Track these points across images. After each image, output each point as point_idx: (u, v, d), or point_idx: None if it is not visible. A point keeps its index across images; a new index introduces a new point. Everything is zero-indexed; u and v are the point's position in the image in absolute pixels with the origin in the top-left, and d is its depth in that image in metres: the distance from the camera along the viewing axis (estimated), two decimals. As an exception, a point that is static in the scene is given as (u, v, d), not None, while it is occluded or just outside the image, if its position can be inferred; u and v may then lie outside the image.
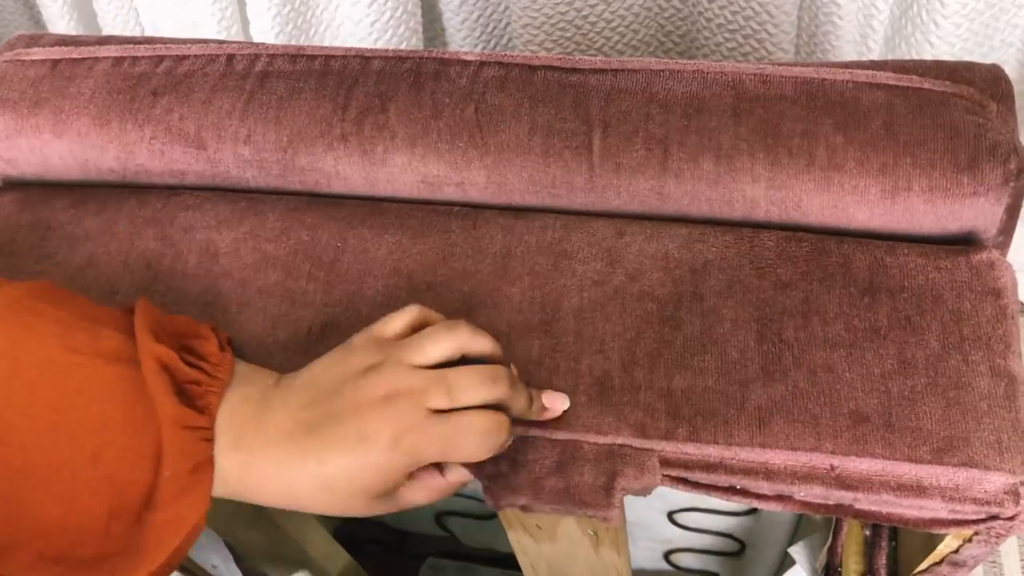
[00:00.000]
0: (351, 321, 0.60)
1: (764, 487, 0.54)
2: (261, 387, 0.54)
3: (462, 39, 1.41)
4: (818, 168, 0.59)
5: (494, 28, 1.43)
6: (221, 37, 1.26)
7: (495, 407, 0.52)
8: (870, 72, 0.62)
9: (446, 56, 0.67)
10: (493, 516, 0.96)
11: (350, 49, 0.68)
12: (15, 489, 0.47)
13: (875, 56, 1.24)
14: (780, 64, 0.63)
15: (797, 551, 0.69)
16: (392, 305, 0.60)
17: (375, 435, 0.50)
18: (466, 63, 0.66)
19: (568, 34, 1.39)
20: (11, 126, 0.69)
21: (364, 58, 0.67)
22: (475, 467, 0.56)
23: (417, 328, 0.55)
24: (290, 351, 0.60)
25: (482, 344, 0.54)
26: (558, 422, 0.56)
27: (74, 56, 0.71)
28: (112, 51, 0.71)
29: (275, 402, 0.53)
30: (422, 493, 0.55)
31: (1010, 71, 1.27)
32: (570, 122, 0.62)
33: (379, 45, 1.28)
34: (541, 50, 1.38)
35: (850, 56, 1.25)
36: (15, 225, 0.68)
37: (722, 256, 0.60)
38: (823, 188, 0.59)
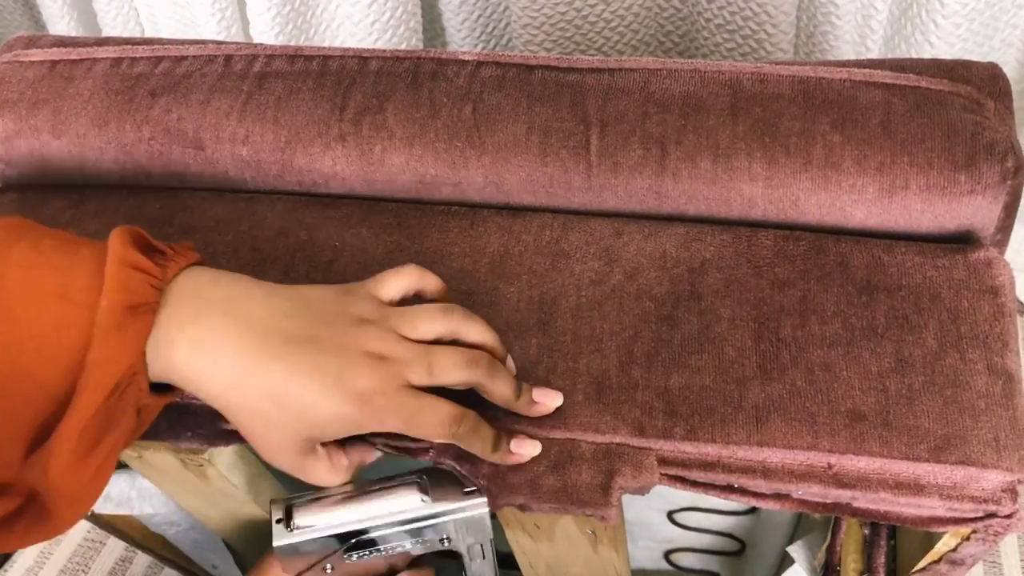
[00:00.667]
0: (349, 321, 0.60)
1: (762, 486, 0.54)
2: (236, 277, 0.52)
3: (462, 39, 1.41)
4: (815, 167, 0.59)
5: (494, 28, 1.43)
6: (221, 37, 1.26)
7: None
8: (867, 71, 0.62)
9: (444, 56, 0.67)
10: (493, 516, 0.96)
11: (348, 49, 0.68)
12: None
13: (874, 56, 1.25)
14: (778, 63, 0.63)
15: (796, 550, 0.69)
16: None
17: (352, 383, 0.49)
18: (464, 63, 0.66)
19: (568, 34, 1.39)
20: (10, 127, 0.70)
21: (362, 58, 0.68)
22: (473, 467, 0.56)
23: (412, 292, 0.56)
24: (288, 351, 0.60)
25: (475, 330, 0.54)
26: (555, 421, 0.56)
27: (72, 57, 0.71)
28: (110, 52, 0.71)
29: (255, 297, 0.51)
30: (325, 470, 0.54)
31: (1010, 71, 1.27)
32: (568, 121, 0.62)
33: (379, 45, 1.28)
34: (541, 50, 1.38)
35: (849, 56, 1.25)
36: (14, 226, 0.68)
37: (720, 255, 0.60)
38: (820, 187, 0.59)
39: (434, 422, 0.51)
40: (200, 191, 0.69)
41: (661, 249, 0.60)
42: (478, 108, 0.63)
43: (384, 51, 0.68)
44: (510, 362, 0.57)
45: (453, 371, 0.52)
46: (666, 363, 0.56)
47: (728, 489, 0.55)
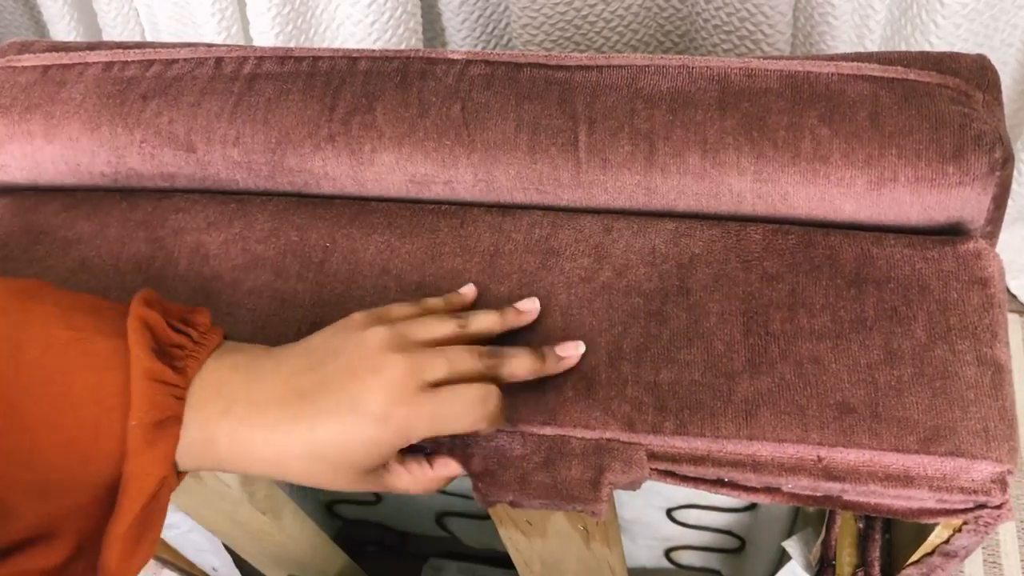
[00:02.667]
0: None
1: (752, 479, 0.54)
2: (252, 355, 0.53)
3: (462, 39, 1.42)
4: (804, 160, 0.59)
5: (494, 28, 1.44)
6: (221, 37, 1.26)
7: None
8: (855, 64, 0.62)
9: (433, 55, 0.67)
10: (486, 515, 0.96)
11: (337, 50, 0.69)
12: (21, 467, 0.47)
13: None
14: (766, 58, 0.63)
15: (791, 545, 0.69)
16: (381, 305, 0.60)
17: (367, 404, 0.49)
18: (452, 62, 0.66)
19: (567, 34, 1.39)
20: (3, 132, 0.70)
21: (351, 58, 0.68)
22: (464, 463, 0.56)
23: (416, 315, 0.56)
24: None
25: (482, 320, 0.56)
26: (545, 417, 0.56)
27: (64, 62, 0.72)
28: (102, 56, 0.71)
29: (266, 369, 0.52)
30: (407, 480, 0.54)
31: (1010, 71, 1.27)
32: (556, 119, 0.62)
33: (379, 45, 1.29)
34: (540, 50, 1.38)
35: (847, 55, 1.24)
36: (7, 230, 0.69)
37: (708, 250, 0.60)
38: (809, 180, 0.59)
39: (460, 412, 0.51)
40: (192, 193, 0.69)
41: (650, 245, 0.60)
42: (467, 106, 0.64)
43: (374, 51, 0.68)
44: (531, 303, 0.59)
45: (472, 361, 0.52)
46: (655, 358, 0.56)
47: (718, 483, 0.55)
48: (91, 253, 0.66)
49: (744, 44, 1.30)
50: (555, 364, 0.55)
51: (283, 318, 0.62)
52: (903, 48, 1.22)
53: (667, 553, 0.96)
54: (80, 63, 0.71)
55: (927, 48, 1.18)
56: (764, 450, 0.53)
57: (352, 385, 0.50)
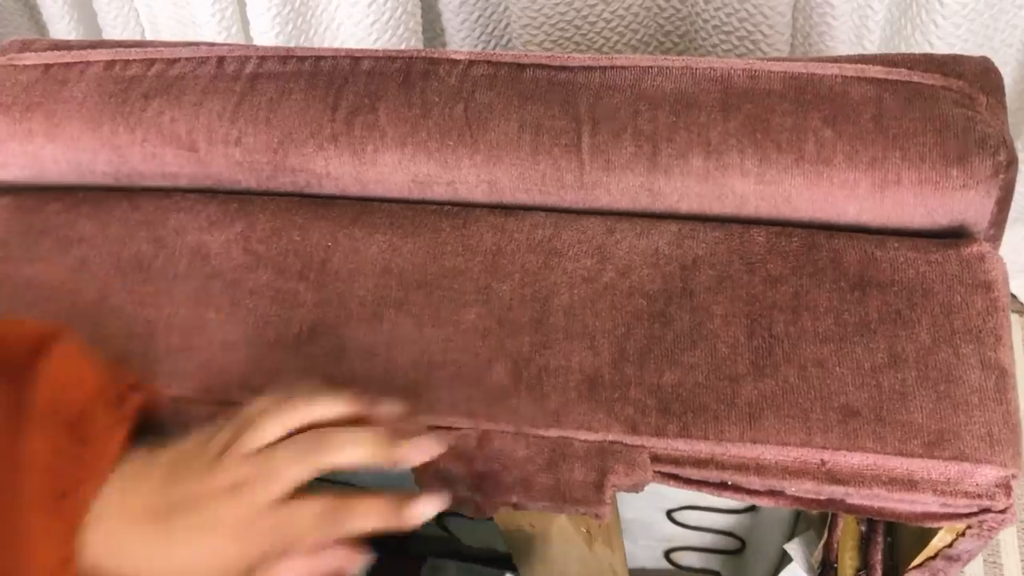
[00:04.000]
0: (341, 320, 0.60)
1: (755, 482, 0.54)
2: (134, 465, 0.51)
3: (462, 39, 1.41)
4: (807, 163, 0.59)
5: (494, 28, 1.43)
6: (221, 37, 1.26)
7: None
8: (859, 66, 0.62)
9: (435, 55, 0.67)
10: (489, 517, 0.96)
11: (339, 50, 0.68)
12: None
13: (873, 56, 1.24)
14: (769, 59, 0.63)
15: (793, 547, 0.69)
16: (382, 304, 0.60)
17: (219, 527, 0.48)
18: (455, 62, 0.66)
19: (568, 34, 1.39)
20: (4, 131, 0.70)
21: (354, 58, 0.67)
22: (466, 466, 0.56)
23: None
24: (280, 351, 0.60)
25: (322, 411, 0.51)
26: (548, 419, 0.55)
27: (66, 60, 0.71)
28: (104, 55, 0.71)
29: (140, 478, 0.50)
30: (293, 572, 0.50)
31: (1010, 71, 1.27)
32: (559, 120, 0.62)
33: (379, 45, 1.28)
34: (540, 50, 1.38)
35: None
36: (7, 230, 0.69)
37: (712, 252, 0.59)
38: (813, 183, 0.59)
39: (310, 524, 0.48)
40: (193, 192, 0.69)
41: (653, 246, 0.60)
42: (470, 107, 0.63)
43: (376, 51, 0.68)
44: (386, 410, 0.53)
45: (295, 464, 0.49)
46: (659, 360, 0.56)
47: (722, 486, 0.55)
48: (92, 252, 0.66)
49: (744, 44, 1.30)
50: (400, 454, 0.51)
51: (284, 318, 0.61)
52: (903, 48, 1.22)
53: (667, 554, 0.96)
54: (82, 62, 0.71)
55: (927, 48, 1.18)
56: (768, 453, 0.53)
57: (204, 507, 0.49)
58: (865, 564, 0.64)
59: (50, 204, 0.70)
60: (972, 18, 1.15)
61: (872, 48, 1.24)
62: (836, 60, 0.63)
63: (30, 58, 0.72)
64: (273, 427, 0.50)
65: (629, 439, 0.55)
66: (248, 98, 0.67)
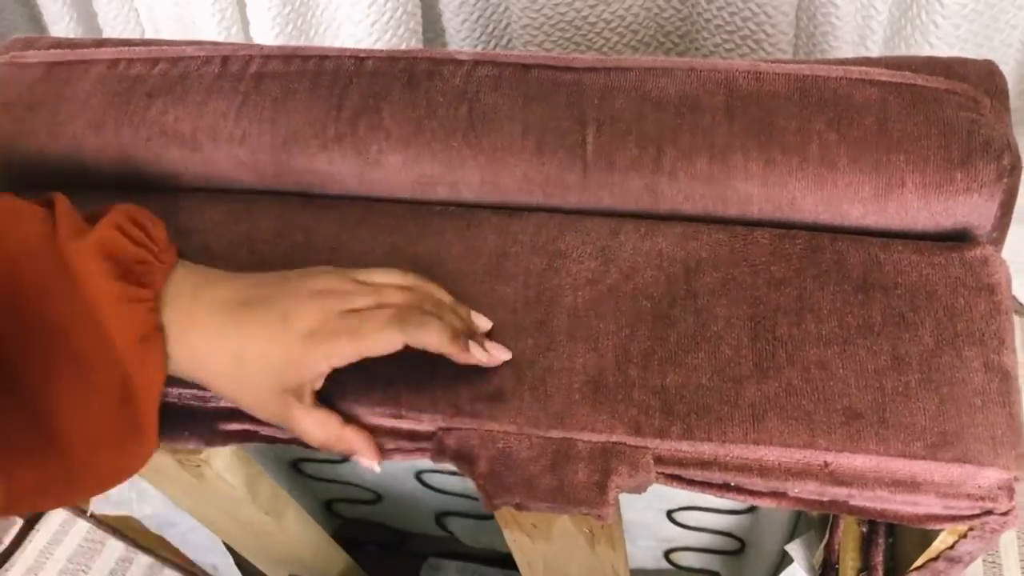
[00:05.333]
0: (346, 321, 0.60)
1: (758, 484, 0.54)
2: (206, 272, 0.57)
3: (462, 39, 1.42)
4: (811, 165, 0.59)
5: (494, 28, 1.44)
6: (221, 37, 1.26)
7: None
8: (863, 69, 0.62)
9: (440, 56, 0.67)
10: (493, 516, 0.96)
11: (344, 50, 0.69)
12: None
13: (874, 57, 1.24)
14: (773, 61, 0.63)
15: (794, 548, 0.69)
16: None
17: (295, 320, 0.53)
18: (460, 62, 0.66)
19: (568, 34, 1.39)
20: (7, 130, 0.70)
21: (358, 58, 0.68)
22: (469, 466, 0.56)
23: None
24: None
25: (433, 288, 0.57)
26: (552, 420, 0.55)
27: (69, 59, 0.72)
28: (107, 53, 0.71)
29: (220, 280, 0.56)
30: (311, 423, 0.56)
31: (1009, 72, 1.27)
32: (564, 121, 0.62)
33: (379, 46, 1.28)
34: (541, 50, 1.38)
35: (849, 56, 1.24)
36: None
37: (716, 254, 0.60)
38: (817, 185, 0.59)
39: (377, 326, 0.53)
40: (197, 192, 0.69)
41: (657, 248, 0.60)
42: (474, 108, 0.63)
43: (380, 51, 0.68)
44: (481, 320, 0.58)
45: (397, 294, 0.55)
46: (662, 362, 0.56)
47: (725, 487, 0.55)
48: (96, 251, 0.66)
49: (746, 44, 1.30)
50: (479, 354, 0.56)
51: (289, 318, 0.61)
52: (903, 48, 1.22)
53: (667, 554, 0.96)
54: (85, 60, 0.71)
55: (927, 48, 1.19)
56: (771, 455, 0.53)
57: (287, 303, 0.54)
58: (866, 565, 0.64)
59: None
60: (972, 19, 1.16)
61: (875, 48, 1.24)
62: (840, 63, 0.63)
63: (33, 56, 0.73)
64: (389, 276, 0.57)
65: (632, 440, 0.55)
66: (252, 98, 0.67)
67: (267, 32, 1.24)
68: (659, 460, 0.55)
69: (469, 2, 1.38)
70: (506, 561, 1.05)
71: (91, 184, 0.71)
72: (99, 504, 0.79)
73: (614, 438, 0.55)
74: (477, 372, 0.57)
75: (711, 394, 0.55)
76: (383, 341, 0.54)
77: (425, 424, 0.58)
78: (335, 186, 0.67)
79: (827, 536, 0.66)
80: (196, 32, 1.28)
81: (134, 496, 0.79)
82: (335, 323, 0.53)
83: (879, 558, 0.63)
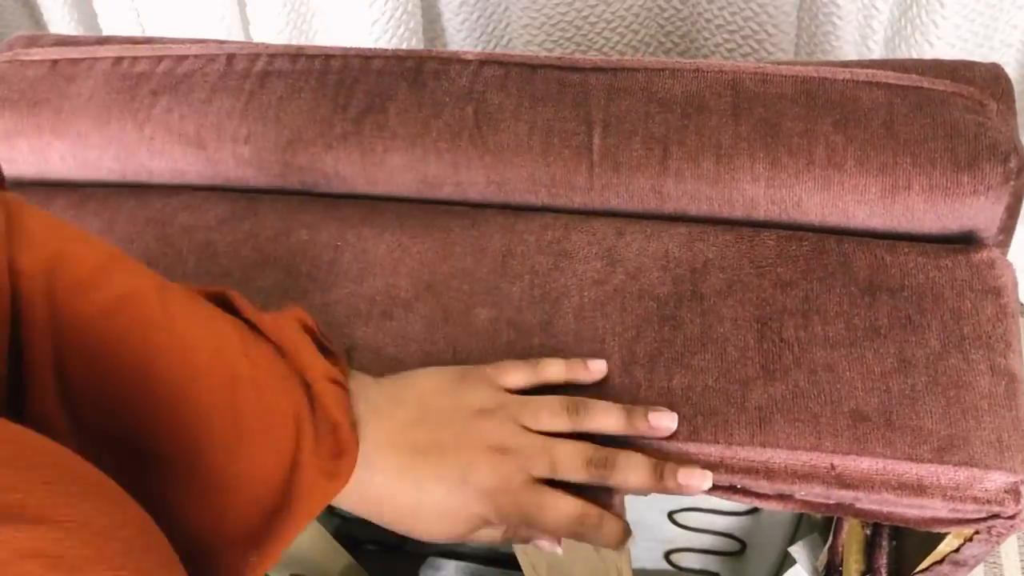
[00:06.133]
0: (350, 319, 0.60)
1: (764, 486, 0.54)
2: (371, 394, 0.53)
3: (462, 39, 1.41)
4: (818, 167, 0.59)
5: (494, 28, 1.43)
6: (221, 37, 1.26)
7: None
8: (870, 71, 0.62)
9: (446, 55, 0.67)
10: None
11: (350, 49, 0.68)
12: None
13: (876, 56, 1.25)
14: (780, 63, 0.63)
15: (797, 550, 0.69)
16: (391, 303, 0.60)
17: (476, 483, 0.51)
18: (466, 62, 0.66)
19: (568, 34, 1.39)
20: (10, 126, 0.69)
21: (364, 58, 0.67)
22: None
23: (534, 385, 0.55)
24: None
25: (600, 423, 0.53)
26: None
27: (73, 56, 0.71)
28: (112, 51, 0.71)
29: (383, 409, 0.52)
30: (490, 538, 0.55)
31: (1009, 71, 1.27)
32: (570, 122, 0.62)
33: (379, 45, 1.28)
34: (541, 50, 1.37)
35: (851, 56, 1.25)
36: (15, 225, 0.68)
37: (722, 255, 0.59)
38: (823, 187, 0.59)
39: (556, 521, 0.52)
40: (201, 190, 0.69)
41: (663, 249, 0.60)
42: (480, 108, 0.63)
43: (386, 51, 0.68)
44: (653, 418, 0.54)
45: (577, 471, 0.52)
46: (669, 363, 0.56)
47: (731, 489, 0.55)
48: (99, 249, 0.66)
49: (748, 43, 1.30)
50: (673, 483, 0.52)
51: (293, 318, 0.61)
52: (903, 48, 1.22)
53: (667, 555, 0.96)
54: (89, 58, 0.71)
55: (927, 48, 1.18)
56: (777, 457, 0.53)
57: (464, 459, 0.51)
58: (870, 568, 0.64)
59: (56, 200, 0.69)
60: (972, 18, 1.16)
61: (876, 48, 1.24)
62: (846, 65, 0.63)
63: (37, 53, 0.72)
64: (555, 420, 0.53)
65: (638, 442, 0.55)
66: (257, 96, 0.67)
67: (267, 32, 1.23)
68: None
69: (469, 2, 1.38)
70: (506, 561, 1.05)
71: (95, 182, 0.71)
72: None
73: (620, 440, 0.55)
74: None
75: (717, 396, 0.55)
76: (555, 533, 0.53)
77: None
78: (339, 185, 0.66)
79: (831, 539, 0.66)
80: (196, 33, 1.27)
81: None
82: (513, 496, 0.51)
83: (883, 560, 0.63)
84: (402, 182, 0.65)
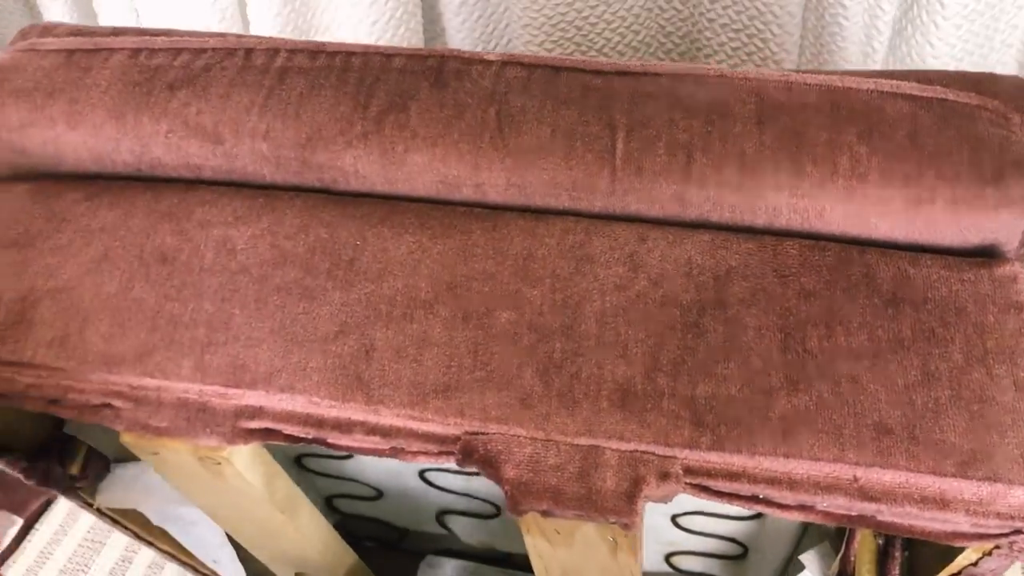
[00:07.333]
0: (369, 320, 0.60)
1: (787, 497, 0.54)
2: None
3: (462, 39, 1.41)
4: (842, 177, 0.59)
5: (494, 28, 1.43)
6: (222, 36, 1.25)
7: None
8: (894, 82, 0.62)
9: (468, 55, 0.66)
10: (494, 516, 0.96)
11: (369, 47, 0.68)
12: None
13: (880, 57, 1.25)
14: (804, 72, 0.63)
15: (809, 559, 0.69)
16: (411, 304, 0.60)
17: None
18: (488, 63, 0.66)
19: (568, 34, 1.38)
20: (25, 116, 0.69)
21: (385, 55, 0.67)
22: (495, 472, 0.55)
23: None
24: (307, 349, 0.60)
25: None
26: (579, 427, 0.55)
27: (89, 47, 0.71)
28: (128, 43, 0.70)
29: None
30: None
31: (1009, 71, 1.27)
32: (593, 126, 0.62)
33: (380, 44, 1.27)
34: (541, 50, 1.37)
35: (855, 56, 1.25)
36: (28, 216, 0.68)
37: (745, 263, 0.59)
38: (846, 198, 0.59)
39: None
40: (217, 185, 0.68)
41: (686, 256, 0.60)
42: (503, 110, 0.63)
43: (407, 49, 0.67)
44: None
45: None
46: (692, 372, 0.56)
47: (753, 499, 0.55)
48: (115, 243, 0.65)
49: (753, 43, 1.30)
50: None
51: (312, 315, 0.61)
52: (903, 48, 1.22)
53: (667, 558, 0.96)
54: (105, 49, 0.70)
55: (928, 48, 1.19)
56: (800, 468, 0.53)
57: None
58: (883, 577, 0.64)
59: (70, 192, 0.69)
60: (972, 19, 1.16)
61: (880, 49, 1.24)
62: (870, 75, 0.63)
63: (53, 43, 0.72)
64: None
65: (662, 450, 0.54)
66: (277, 92, 0.66)
67: (267, 32, 1.23)
68: (688, 471, 0.55)
69: (469, 2, 1.37)
70: (504, 560, 1.05)
71: (108, 175, 0.70)
72: (105, 497, 0.79)
73: (643, 447, 0.55)
74: (504, 376, 0.57)
75: (741, 406, 0.55)
76: None
77: (451, 428, 0.57)
78: (358, 183, 0.66)
79: (843, 548, 0.67)
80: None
81: (141, 489, 0.78)
82: None
83: (895, 572, 0.64)
84: (421, 182, 0.65)
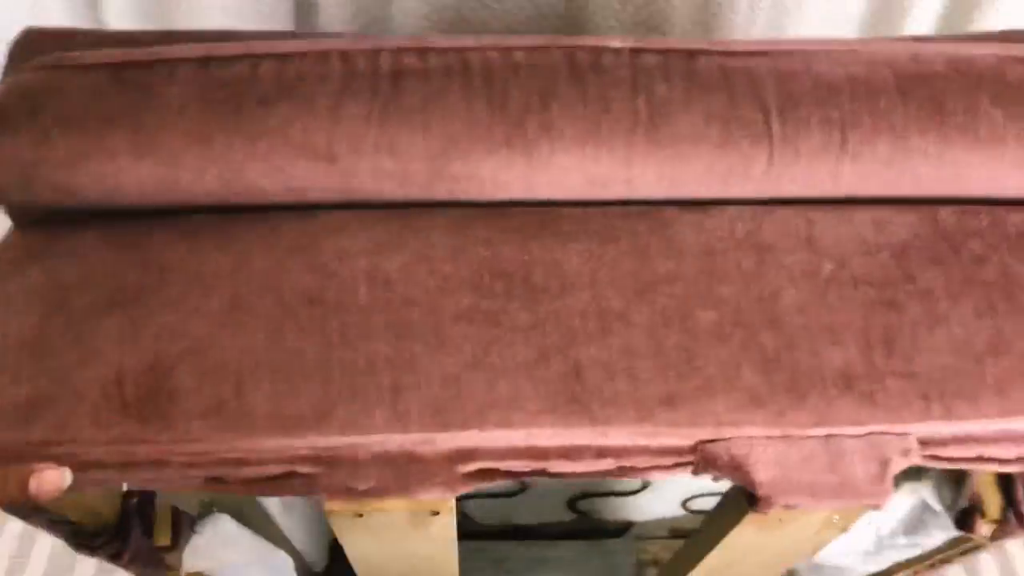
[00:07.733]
0: (568, 339, 0.57)
1: (1011, 451, 0.57)
2: None
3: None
4: (984, 143, 0.62)
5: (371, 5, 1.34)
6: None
7: None
8: (1003, 45, 0.65)
9: (592, 43, 0.63)
10: (511, 495, 0.95)
11: (481, 40, 0.63)
12: None
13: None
14: (922, 39, 0.65)
15: (927, 492, 0.74)
16: (605, 316, 0.57)
17: None
18: (617, 51, 0.63)
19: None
20: (76, 148, 0.58)
21: (503, 50, 0.62)
22: (744, 476, 0.55)
23: None
24: (511, 377, 0.56)
25: None
26: (812, 417, 0.56)
27: (140, 59, 0.60)
28: (190, 51, 0.61)
29: None
30: None
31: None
32: (744, 109, 0.61)
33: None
34: (429, 25, 1.30)
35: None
36: (115, 268, 0.58)
37: (915, 235, 0.61)
38: (989, 162, 0.62)
39: None
40: (336, 210, 0.61)
41: (857, 235, 0.61)
42: (651, 100, 0.61)
43: (522, 41, 0.62)
44: None
45: None
46: (904, 347, 0.58)
47: (979, 460, 0.58)
48: (242, 289, 0.57)
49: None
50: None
51: (504, 341, 0.57)
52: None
53: (684, 503, 1.00)
54: (162, 60, 0.60)
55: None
56: (1019, 424, 0.57)
57: None
58: (1011, 501, 0.70)
59: (158, 234, 0.60)
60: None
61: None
62: (976, 39, 0.66)
63: (87, 57, 0.60)
64: None
65: (896, 428, 0.56)
66: (395, 100, 0.60)
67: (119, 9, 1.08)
68: (922, 442, 0.57)
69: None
70: (516, 532, 1.04)
71: (179, 208, 0.61)
72: (191, 562, 0.70)
73: (880, 428, 0.56)
74: (725, 378, 0.57)
75: (958, 373, 0.57)
76: None
77: (682, 438, 0.56)
78: (495, 191, 0.61)
79: (963, 482, 0.72)
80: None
81: (219, 544, 0.70)
82: None
83: (1021, 495, 0.70)
84: (566, 184, 0.61)
